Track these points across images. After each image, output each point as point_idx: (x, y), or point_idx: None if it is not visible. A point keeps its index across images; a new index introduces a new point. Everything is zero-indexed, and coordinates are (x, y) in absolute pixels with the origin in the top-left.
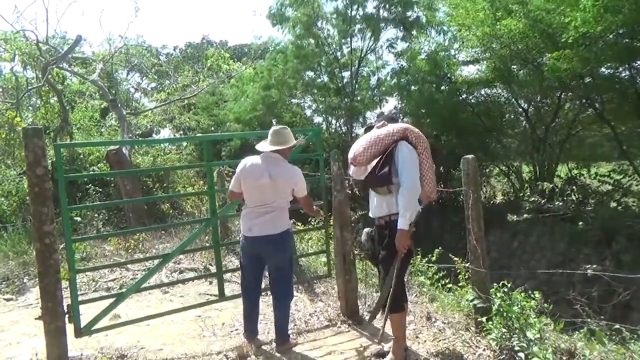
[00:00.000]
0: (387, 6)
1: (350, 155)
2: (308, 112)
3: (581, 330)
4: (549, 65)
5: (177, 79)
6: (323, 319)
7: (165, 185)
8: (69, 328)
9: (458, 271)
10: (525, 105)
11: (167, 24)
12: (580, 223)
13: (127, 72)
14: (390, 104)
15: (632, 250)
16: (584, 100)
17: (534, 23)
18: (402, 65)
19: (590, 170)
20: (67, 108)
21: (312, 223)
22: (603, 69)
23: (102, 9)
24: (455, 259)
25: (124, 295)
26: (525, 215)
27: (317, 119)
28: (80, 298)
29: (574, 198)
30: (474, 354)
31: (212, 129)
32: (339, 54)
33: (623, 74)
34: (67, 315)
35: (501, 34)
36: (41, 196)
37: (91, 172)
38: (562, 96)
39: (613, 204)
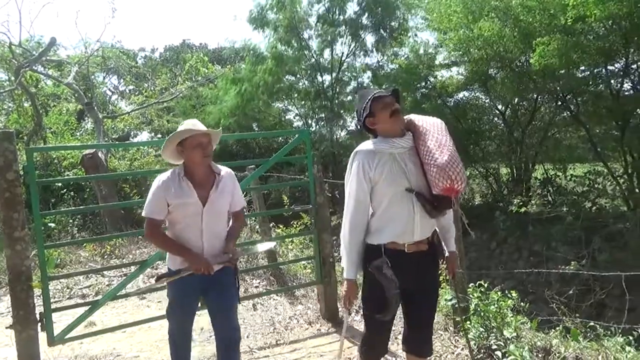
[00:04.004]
0: (367, 11)
1: (451, 184)
2: (289, 116)
3: (557, 328)
4: (536, 53)
5: (155, 82)
6: (303, 321)
7: (143, 189)
8: (42, 337)
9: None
10: (503, 107)
11: (147, 27)
12: (568, 219)
13: (104, 76)
14: None
15: (607, 250)
16: (559, 103)
17: (514, 22)
18: (382, 69)
19: (566, 172)
20: (41, 112)
21: (295, 227)
22: (578, 73)
23: (77, 10)
24: None
25: (99, 302)
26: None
27: (297, 123)
28: (53, 306)
29: (551, 199)
30: (453, 353)
31: None
32: (319, 58)
33: (599, 76)
34: (39, 324)
35: (477, 36)
36: (12, 201)
37: (65, 177)
38: (539, 99)
39: (588, 205)
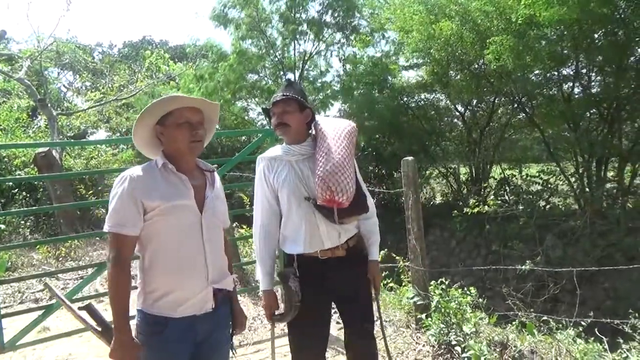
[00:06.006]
0: (330, 10)
1: (331, 195)
2: (252, 115)
3: (513, 323)
4: (489, 50)
5: (113, 79)
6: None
7: (99, 189)
8: None
9: (400, 270)
10: (462, 109)
11: (104, 22)
12: (522, 219)
13: (59, 72)
14: (335, 107)
15: (560, 247)
16: (515, 105)
17: (472, 25)
18: (346, 69)
19: (521, 172)
20: None
21: None
22: (532, 77)
23: (29, 1)
24: (397, 258)
25: (53, 306)
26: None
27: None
28: (3, 311)
29: (507, 198)
30: (414, 349)
31: None
32: (283, 56)
33: (551, 80)
34: None
35: (437, 36)
36: None
37: (17, 177)
38: (496, 101)
39: (542, 204)
